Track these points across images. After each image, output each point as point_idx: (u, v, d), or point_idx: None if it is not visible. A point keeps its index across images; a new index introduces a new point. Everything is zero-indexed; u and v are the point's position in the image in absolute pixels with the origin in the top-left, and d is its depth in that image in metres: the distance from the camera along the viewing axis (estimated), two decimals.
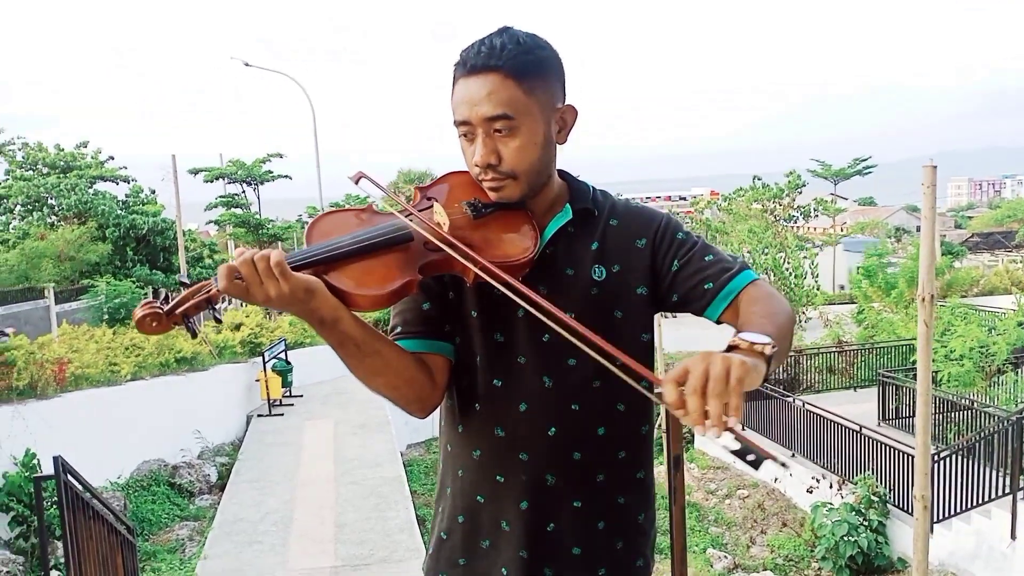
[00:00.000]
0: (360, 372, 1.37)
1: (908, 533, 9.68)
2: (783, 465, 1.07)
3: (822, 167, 49.95)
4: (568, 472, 1.48)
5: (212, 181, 26.47)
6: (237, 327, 14.92)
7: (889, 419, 13.35)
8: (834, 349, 17.51)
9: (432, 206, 1.44)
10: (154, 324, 1.24)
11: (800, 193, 32.39)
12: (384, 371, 1.38)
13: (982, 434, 10.06)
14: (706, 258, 1.46)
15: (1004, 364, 13.42)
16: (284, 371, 14.33)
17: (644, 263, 1.49)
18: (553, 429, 1.47)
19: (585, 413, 1.47)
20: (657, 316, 1.82)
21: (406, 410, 1.45)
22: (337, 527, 8.81)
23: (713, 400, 1.05)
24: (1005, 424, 9.48)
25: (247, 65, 23.90)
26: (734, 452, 1.06)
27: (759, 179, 33.56)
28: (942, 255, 23.87)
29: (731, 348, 1.20)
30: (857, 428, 11.00)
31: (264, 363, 13.60)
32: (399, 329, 1.49)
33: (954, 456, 9.58)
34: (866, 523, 9.86)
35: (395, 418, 13.55)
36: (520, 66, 1.35)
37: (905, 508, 9.94)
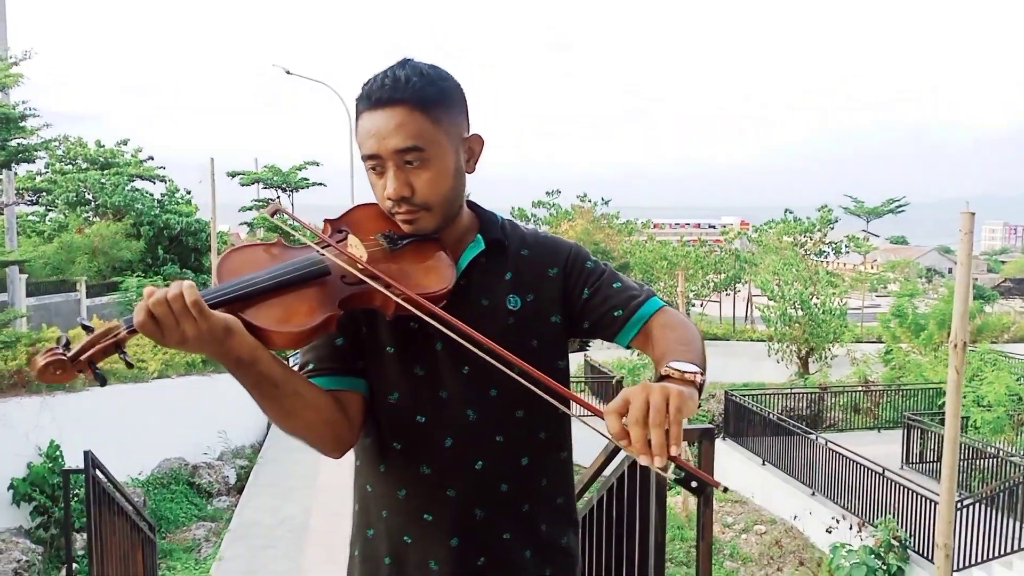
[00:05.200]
0: (276, 414, 1.31)
1: None
2: (725, 490, 1.08)
3: (855, 204, 49.61)
4: (496, 504, 1.46)
5: (248, 185, 26.83)
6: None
7: (912, 463, 13.18)
8: (860, 388, 17.34)
9: (347, 238, 1.40)
10: (58, 372, 1.16)
11: (832, 228, 32.17)
12: (302, 412, 1.33)
13: (1007, 483, 9.90)
14: (614, 285, 1.47)
15: None
16: None
17: (556, 291, 1.49)
18: (480, 463, 1.44)
19: (509, 444, 1.45)
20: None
21: (322, 451, 1.40)
22: None
23: (656, 429, 1.05)
24: None
25: (288, 73, 24.20)
26: (678, 481, 1.07)
27: (790, 212, 33.36)
28: (973, 299, 23.55)
29: (664, 377, 1.21)
30: (880, 470, 10.86)
31: None
32: (311, 366, 1.43)
33: (977, 504, 9.43)
34: (885, 567, 9.73)
35: None
36: (426, 98, 1.34)
37: (925, 554, 9.79)
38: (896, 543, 9.96)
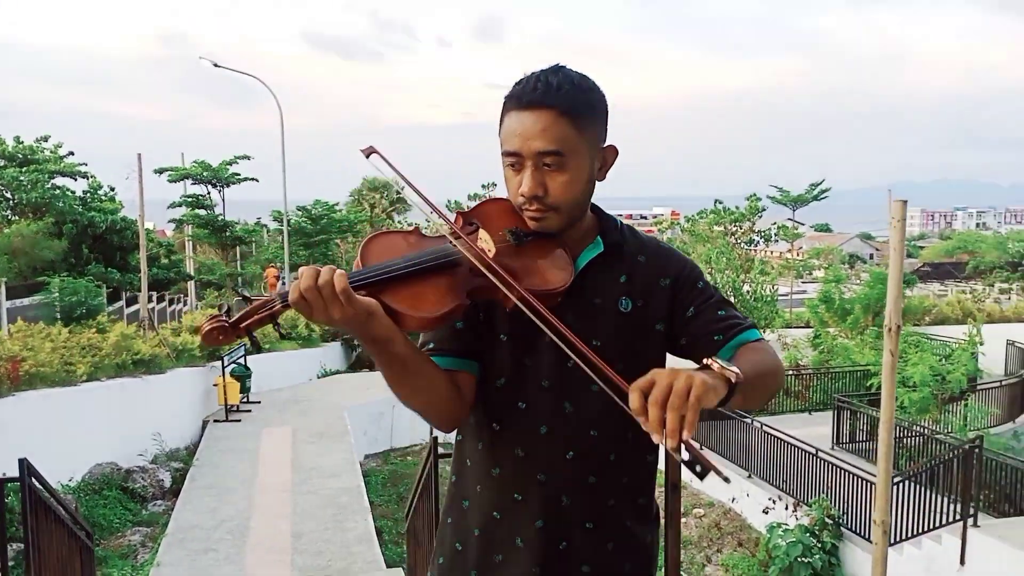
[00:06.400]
0: (401, 389, 1.43)
1: (860, 555, 9.86)
2: (726, 480, 1.17)
3: (781, 193, 50.80)
4: (582, 495, 1.54)
5: (177, 181, 26.12)
6: (196, 330, 14.68)
7: (843, 443, 13.58)
8: (791, 372, 17.78)
9: (477, 231, 1.51)
10: (220, 337, 1.31)
11: (760, 217, 32.88)
12: (425, 390, 1.45)
13: (934, 461, 10.27)
14: (719, 312, 1.55)
15: (959, 392, 13.79)
16: (243, 376, 14.15)
17: (664, 302, 1.56)
18: (571, 453, 1.53)
19: (602, 439, 1.53)
20: None
21: (435, 425, 1.52)
22: (294, 537, 8.71)
23: (672, 413, 1.13)
24: (957, 452, 9.71)
25: (216, 66, 23.65)
26: (684, 462, 1.13)
27: (720, 202, 34.00)
28: None
29: (702, 368, 1.29)
30: (813, 451, 11.17)
31: (223, 368, 13.42)
32: (432, 345, 1.53)
33: (906, 482, 9.77)
34: (820, 545, 10.02)
35: (354, 427, 13.44)
36: (574, 105, 1.42)
37: (859, 531, 10.11)
38: (830, 521, 10.28)
